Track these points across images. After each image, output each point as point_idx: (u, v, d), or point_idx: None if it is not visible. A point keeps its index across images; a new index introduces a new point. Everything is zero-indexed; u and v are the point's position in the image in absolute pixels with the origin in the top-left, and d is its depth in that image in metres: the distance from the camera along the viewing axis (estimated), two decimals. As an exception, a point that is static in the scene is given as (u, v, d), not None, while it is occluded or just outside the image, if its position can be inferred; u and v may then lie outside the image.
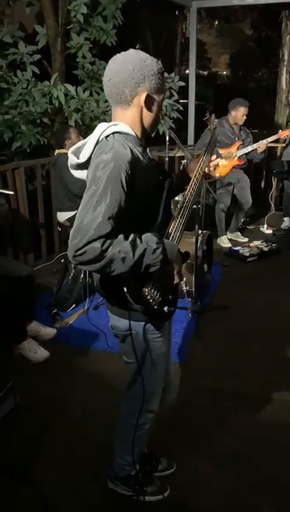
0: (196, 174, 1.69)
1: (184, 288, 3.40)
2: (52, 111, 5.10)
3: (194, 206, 1.75)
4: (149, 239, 1.36)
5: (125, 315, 1.50)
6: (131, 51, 1.45)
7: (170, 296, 1.55)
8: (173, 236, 1.56)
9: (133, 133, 1.46)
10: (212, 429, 2.31)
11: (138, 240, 1.33)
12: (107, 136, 1.42)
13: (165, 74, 1.54)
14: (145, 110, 1.47)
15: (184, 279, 1.53)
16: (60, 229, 4.23)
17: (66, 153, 3.74)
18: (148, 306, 1.44)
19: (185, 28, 15.45)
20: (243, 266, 4.49)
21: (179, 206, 1.62)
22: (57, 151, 3.86)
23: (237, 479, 2.02)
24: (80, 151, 1.49)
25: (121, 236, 1.30)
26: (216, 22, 18.88)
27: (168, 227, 1.58)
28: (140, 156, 1.44)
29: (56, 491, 1.96)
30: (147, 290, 1.43)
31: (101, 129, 1.44)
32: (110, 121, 1.50)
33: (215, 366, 2.84)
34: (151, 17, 12.77)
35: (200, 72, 18.19)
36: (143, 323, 1.55)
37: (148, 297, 1.44)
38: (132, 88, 1.42)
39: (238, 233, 5.33)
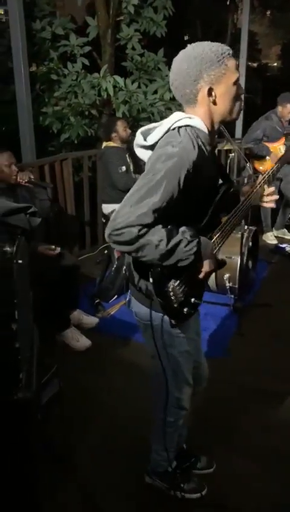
0: (245, 201, 1.60)
1: (227, 284, 3.35)
2: (100, 103, 5.13)
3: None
4: (185, 231, 1.36)
5: (146, 302, 1.50)
6: (188, 47, 1.40)
7: (193, 300, 1.52)
8: (213, 242, 1.52)
9: (205, 130, 1.42)
10: (252, 429, 2.27)
11: (175, 231, 1.33)
12: (180, 127, 1.38)
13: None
14: (212, 105, 1.41)
15: (212, 278, 1.50)
16: (104, 221, 4.27)
17: (114, 146, 3.83)
18: (169, 302, 1.43)
19: (237, 18, 15.10)
20: (289, 264, 4.38)
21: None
22: (104, 144, 3.89)
23: (277, 479, 1.98)
24: (149, 133, 1.47)
25: (159, 226, 1.30)
26: (268, 12, 18.32)
27: (213, 232, 1.54)
28: (207, 155, 1.41)
29: (93, 479, 2.00)
30: (172, 286, 1.42)
31: (176, 118, 1.40)
32: (158, 113, 1.47)
33: (257, 364, 2.79)
34: (201, 7, 12.53)
35: (250, 63, 17.71)
36: (161, 314, 1.51)
37: (171, 293, 1.42)
38: (191, 86, 1.38)
39: (285, 230, 5.18)
